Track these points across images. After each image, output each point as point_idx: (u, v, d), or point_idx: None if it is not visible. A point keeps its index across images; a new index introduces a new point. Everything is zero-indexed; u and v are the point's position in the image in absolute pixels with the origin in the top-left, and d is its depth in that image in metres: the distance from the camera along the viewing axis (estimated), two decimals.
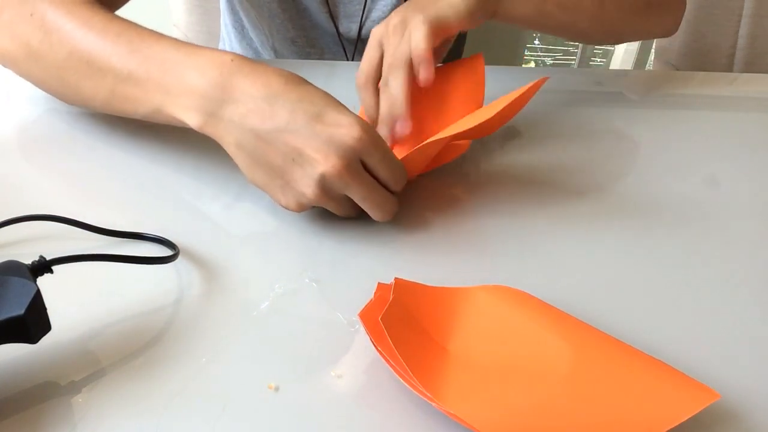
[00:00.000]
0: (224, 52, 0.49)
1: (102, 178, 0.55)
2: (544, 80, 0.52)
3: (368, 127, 0.46)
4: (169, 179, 0.55)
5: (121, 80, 0.51)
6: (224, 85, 0.47)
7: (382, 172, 0.48)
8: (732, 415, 0.37)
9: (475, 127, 0.49)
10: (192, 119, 0.48)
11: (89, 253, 0.39)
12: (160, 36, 0.52)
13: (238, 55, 0.49)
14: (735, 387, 0.38)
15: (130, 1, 0.66)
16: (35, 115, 0.62)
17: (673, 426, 0.33)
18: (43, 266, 0.37)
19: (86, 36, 0.52)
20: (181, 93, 0.48)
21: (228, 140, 0.47)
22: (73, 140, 0.59)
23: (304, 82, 0.48)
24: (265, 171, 0.47)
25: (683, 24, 0.79)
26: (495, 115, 0.48)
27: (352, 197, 0.47)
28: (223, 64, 0.48)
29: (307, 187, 0.46)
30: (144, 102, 0.50)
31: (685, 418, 0.33)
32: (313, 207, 0.49)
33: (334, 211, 0.49)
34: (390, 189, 0.49)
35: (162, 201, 0.53)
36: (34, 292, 0.34)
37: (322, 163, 0.45)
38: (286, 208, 0.48)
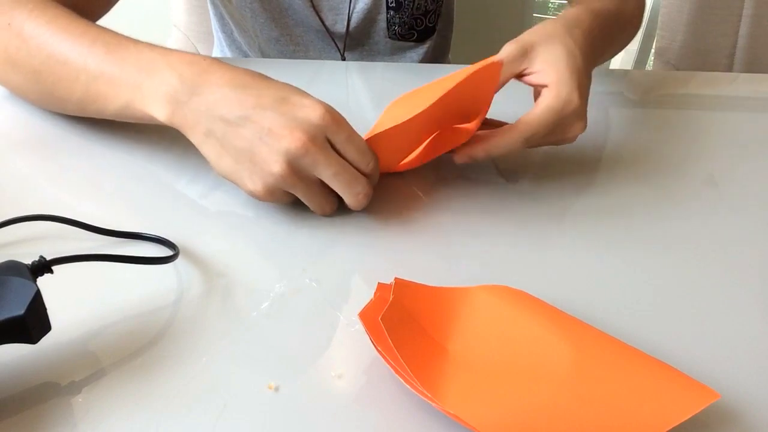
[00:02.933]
0: (200, 54, 0.51)
1: (102, 178, 0.55)
2: (498, 65, 0.51)
3: (332, 109, 0.48)
4: (169, 179, 0.55)
5: (93, 79, 0.53)
6: (194, 79, 0.49)
7: (350, 151, 0.48)
8: (732, 415, 0.37)
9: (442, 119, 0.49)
10: (160, 111, 0.49)
11: (89, 253, 0.39)
12: (136, 41, 0.54)
13: (213, 57, 0.51)
14: (735, 387, 0.38)
15: (127, 4, 0.66)
16: (35, 115, 0.62)
17: (673, 426, 0.33)
18: (43, 266, 0.37)
19: (64, 41, 0.54)
20: (151, 88, 0.50)
21: (196, 130, 0.49)
22: (72, 140, 0.59)
23: (270, 77, 0.50)
24: (233, 157, 0.48)
25: (683, 24, 0.80)
26: (445, 98, 0.48)
27: (320, 176, 0.47)
28: (195, 62, 0.50)
29: (274, 163, 0.46)
30: (114, 99, 0.52)
31: (685, 418, 0.33)
32: (292, 204, 0.50)
33: (306, 199, 0.49)
34: (360, 171, 0.49)
35: (162, 201, 0.53)
36: (34, 292, 0.34)
37: (288, 137, 0.46)
38: (254, 194, 0.48)
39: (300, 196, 0.49)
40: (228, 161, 0.48)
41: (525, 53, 0.54)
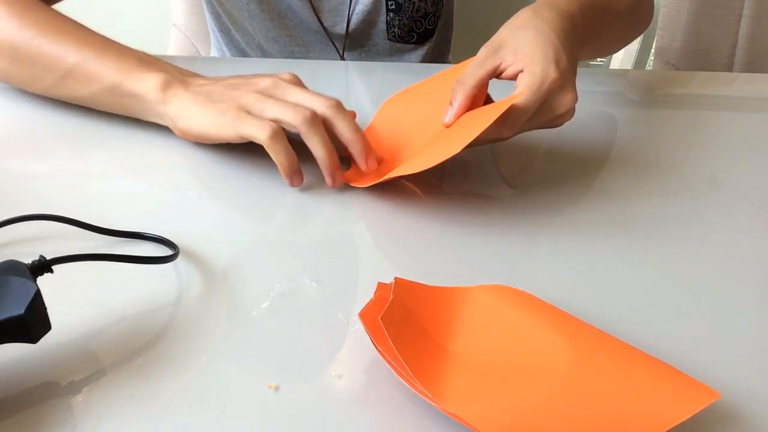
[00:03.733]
0: None
1: (101, 178, 0.55)
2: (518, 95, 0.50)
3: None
4: (169, 179, 0.55)
5: (83, 58, 0.56)
6: (185, 75, 0.56)
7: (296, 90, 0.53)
8: (732, 415, 0.37)
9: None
10: (153, 79, 0.54)
11: (89, 253, 0.39)
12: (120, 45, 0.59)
13: None
14: (735, 387, 0.38)
15: (127, 4, 0.66)
16: (35, 114, 0.62)
17: (673, 426, 0.33)
18: (43, 266, 0.37)
19: (50, 33, 0.58)
20: (142, 70, 0.55)
21: (191, 92, 0.54)
22: (72, 139, 0.59)
23: None
24: (213, 103, 0.53)
25: (683, 24, 0.80)
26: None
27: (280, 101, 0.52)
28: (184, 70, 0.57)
29: (248, 93, 0.52)
30: (101, 79, 0.56)
31: (685, 418, 0.33)
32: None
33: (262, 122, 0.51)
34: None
35: (162, 200, 0.53)
36: (34, 292, 0.34)
37: (267, 79, 0.54)
38: (227, 115, 0.52)
39: (260, 112, 0.52)
40: (210, 107, 0.53)
41: (496, 51, 0.54)
